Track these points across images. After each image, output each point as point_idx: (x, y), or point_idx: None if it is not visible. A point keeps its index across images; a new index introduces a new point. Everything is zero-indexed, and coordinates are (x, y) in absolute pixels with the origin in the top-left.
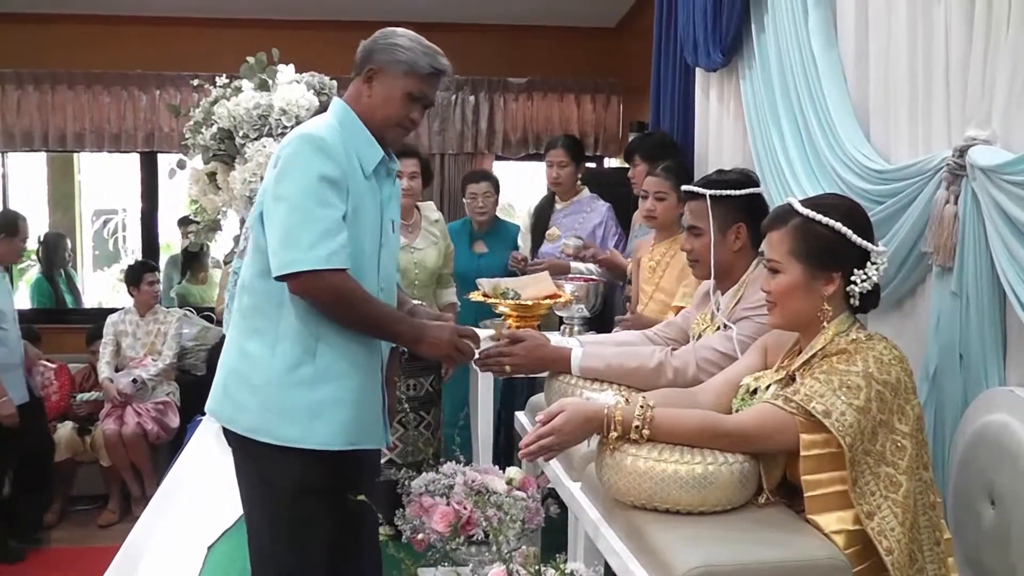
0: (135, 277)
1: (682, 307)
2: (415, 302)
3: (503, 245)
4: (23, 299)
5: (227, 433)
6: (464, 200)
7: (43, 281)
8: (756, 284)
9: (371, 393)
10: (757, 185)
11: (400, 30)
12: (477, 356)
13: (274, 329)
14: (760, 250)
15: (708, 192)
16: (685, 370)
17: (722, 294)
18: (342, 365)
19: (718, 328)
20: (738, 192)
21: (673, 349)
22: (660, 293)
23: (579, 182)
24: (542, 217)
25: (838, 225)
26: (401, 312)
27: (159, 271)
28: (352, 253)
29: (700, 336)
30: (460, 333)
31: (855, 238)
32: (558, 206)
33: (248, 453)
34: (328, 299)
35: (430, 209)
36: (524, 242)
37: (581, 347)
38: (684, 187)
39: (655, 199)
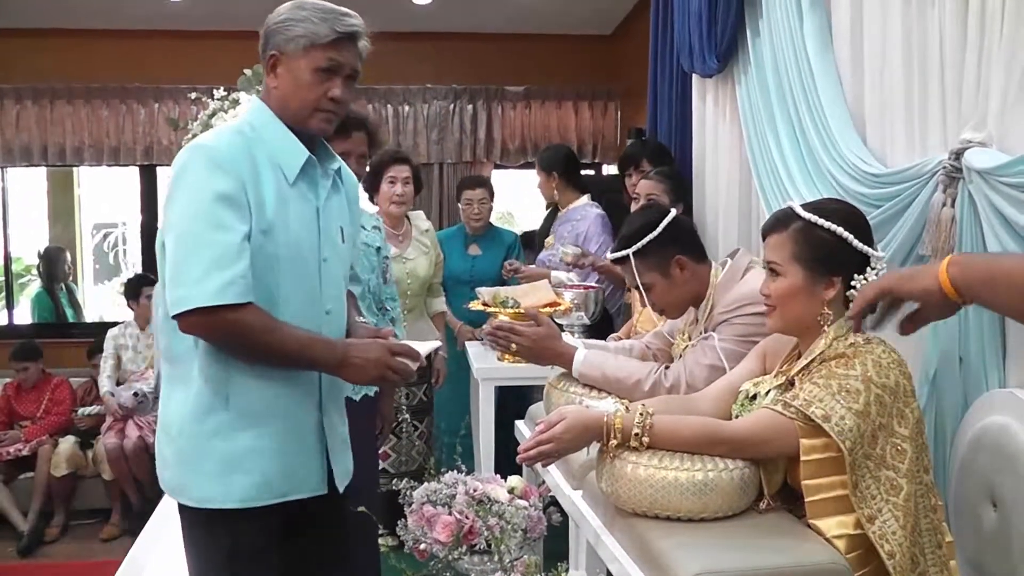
0: (134, 290)
1: None
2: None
3: (497, 249)
4: (24, 313)
5: None
6: (459, 206)
7: (44, 295)
8: (725, 286)
9: (303, 435)
10: (667, 212)
11: (297, 2)
12: (487, 328)
13: (188, 372)
14: (725, 258)
15: (629, 251)
16: (678, 389)
17: (695, 308)
18: (260, 408)
19: (696, 343)
20: (655, 233)
21: (666, 367)
22: None
23: (555, 192)
24: (545, 225)
25: (840, 230)
26: (323, 335)
27: None
28: (263, 276)
29: (682, 354)
30: (392, 351)
31: (856, 243)
32: (559, 214)
33: (179, 513)
34: (222, 338)
35: (420, 219)
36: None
37: (584, 352)
38: (609, 256)
39: (647, 201)
